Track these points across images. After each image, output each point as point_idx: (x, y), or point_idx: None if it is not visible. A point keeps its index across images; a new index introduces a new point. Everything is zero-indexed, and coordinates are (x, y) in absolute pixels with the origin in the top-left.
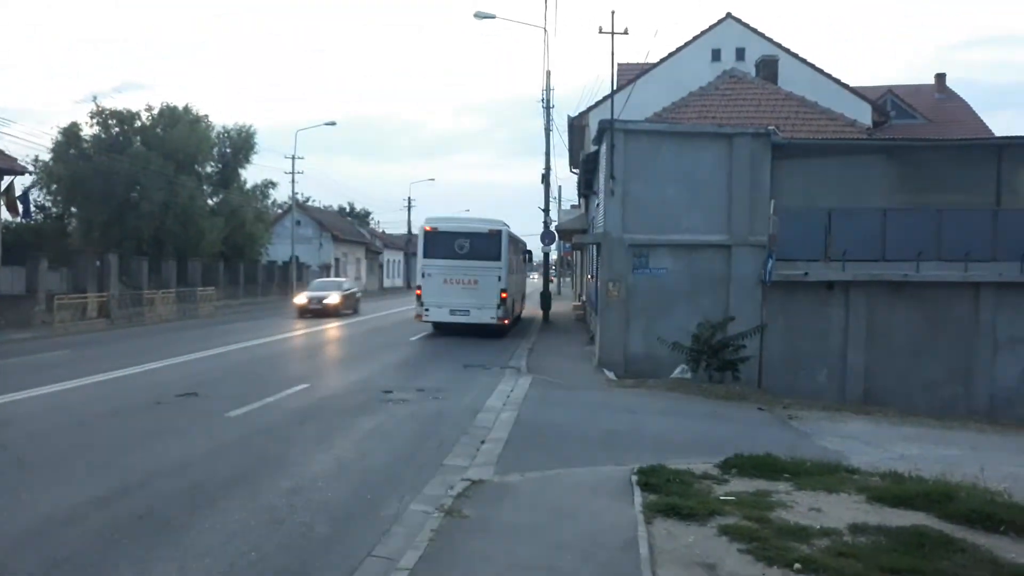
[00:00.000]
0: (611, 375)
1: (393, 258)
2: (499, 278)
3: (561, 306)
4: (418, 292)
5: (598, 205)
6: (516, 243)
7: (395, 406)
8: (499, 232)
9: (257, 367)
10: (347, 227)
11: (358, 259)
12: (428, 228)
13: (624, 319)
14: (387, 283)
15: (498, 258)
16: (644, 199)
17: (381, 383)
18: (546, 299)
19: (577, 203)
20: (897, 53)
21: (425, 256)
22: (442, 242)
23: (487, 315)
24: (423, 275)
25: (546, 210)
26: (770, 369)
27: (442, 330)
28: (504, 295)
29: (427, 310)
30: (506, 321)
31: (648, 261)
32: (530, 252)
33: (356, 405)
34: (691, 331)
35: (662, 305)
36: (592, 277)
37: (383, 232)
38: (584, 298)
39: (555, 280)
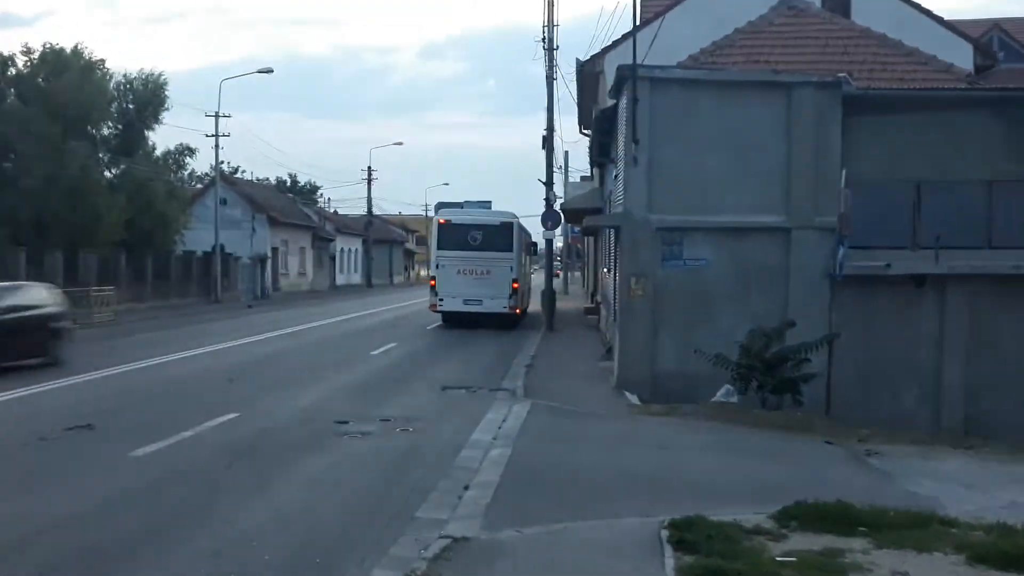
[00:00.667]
0: (634, 399)
1: (349, 247)
2: (511, 268)
3: (568, 308)
4: (432, 283)
5: (616, 177)
6: (524, 234)
7: (353, 441)
8: (511, 224)
9: (171, 391)
10: (288, 206)
11: (302, 248)
12: (442, 220)
13: (651, 326)
14: (340, 280)
15: (510, 249)
16: (677, 169)
17: (334, 411)
18: (549, 300)
19: (589, 174)
20: None
21: (439, 248)
22: (455, 234)
23: (499, 305)
24: (437, 266)
25: (548, 183)
26: (842, 390)
27: (452, 322)
28: (516, 285)
29: (441, 300)
30: (517, 310)
31: (682, 250)
32: (535, 244)
33: (302, 440)
34: (738, 341)
35: (700, 307)
36: (609, 271)
37: (335, 213)
38: (598, 298)
39: (560, 274)
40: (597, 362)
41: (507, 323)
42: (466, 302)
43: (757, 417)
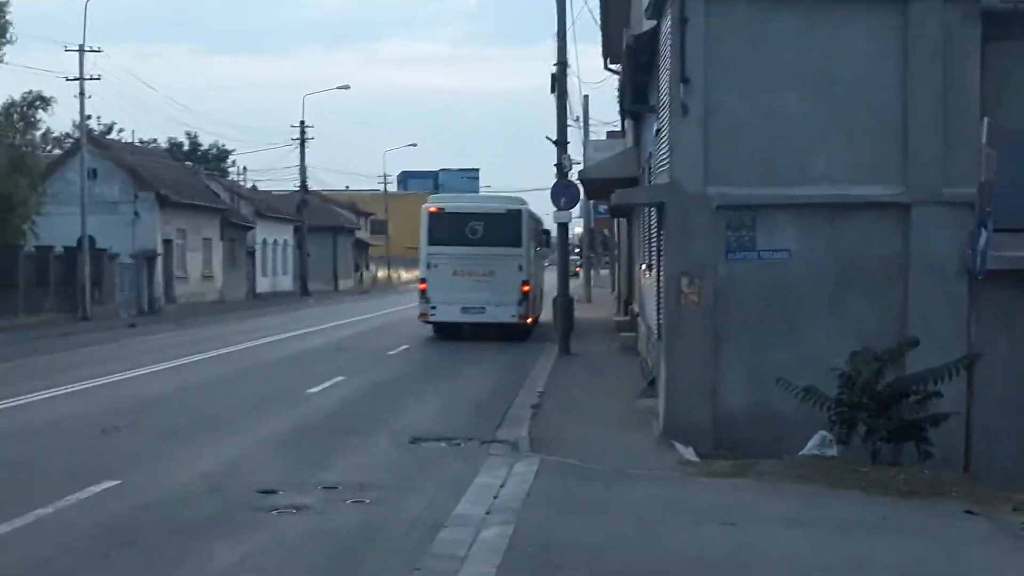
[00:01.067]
0: (688, 452)
1: (275, 238)
2: (520, 268)
3: (592, 320)
4: (422, 287)
5: (658, 132)
6: (536, 224)
7: (282, 519)
8: (518, 212)
9: (21, 450)
10: (187, 180)
11: (207, 240)
12: (433, 209)
13: (710, 347)
14: (263, 285)
15: (518, 244)
16: (744, 121)
17: (256, 476)
18: (564, 310)
19: (619, 128)
20: None
21: (430, 243)
22: (450, 226)
23: (506, 313)
24: (428, 266)
25: (561, 143)
26: (987, 437)
27: (444, 334)
28: (526, 288)
29: (434, 308)
30: (528, 320)
31: (754, 237)
32: (547, 232)
33: (208, 519)
34: (837, 367)
35: (781, 319)
36: (649, 268)
37: (254, 189)
38: (635, 307)
39: (580, 273)
40: (633, 400)
41: (515, 336)
42: (465, 310)
43: (866, 476)
